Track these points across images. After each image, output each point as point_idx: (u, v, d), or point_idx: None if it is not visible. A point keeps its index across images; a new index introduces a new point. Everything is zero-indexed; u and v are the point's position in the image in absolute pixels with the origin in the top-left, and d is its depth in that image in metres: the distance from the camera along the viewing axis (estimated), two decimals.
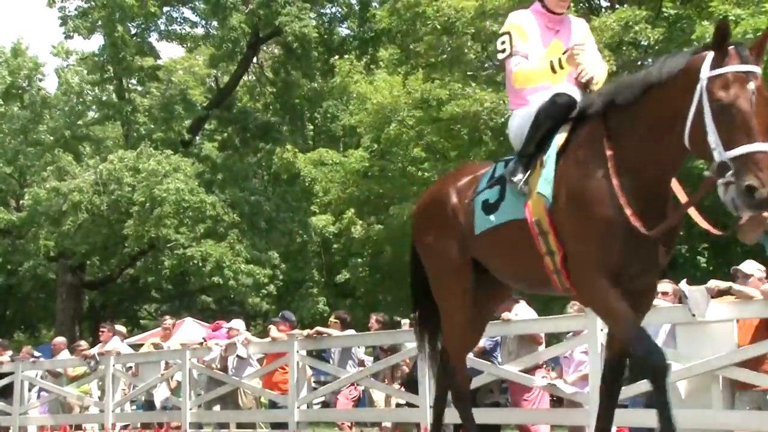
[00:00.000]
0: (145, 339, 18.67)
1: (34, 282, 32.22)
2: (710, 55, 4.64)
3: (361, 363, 11.97)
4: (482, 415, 9.47)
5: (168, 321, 15.43)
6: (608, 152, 5.05)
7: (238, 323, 12.90)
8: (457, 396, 6.69)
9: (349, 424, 11.81)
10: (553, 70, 5.76)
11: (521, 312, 9.47)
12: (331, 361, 11.83)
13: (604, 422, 5.87)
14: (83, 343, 16.00)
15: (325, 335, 11.51)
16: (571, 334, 9.40)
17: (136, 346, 17.93)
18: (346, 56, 26.28)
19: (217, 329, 13.54)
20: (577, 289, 5.38)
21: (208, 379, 12.86)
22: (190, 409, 12.52)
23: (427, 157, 22.86)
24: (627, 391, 8.83)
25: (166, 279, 32.23)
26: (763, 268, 7.77)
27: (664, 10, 19.06)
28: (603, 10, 20.58)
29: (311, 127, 33.62)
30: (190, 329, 21.60)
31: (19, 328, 40.99)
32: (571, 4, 19.01)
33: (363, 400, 12.04)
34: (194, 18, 32.26)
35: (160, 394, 13.31)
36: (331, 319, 12.34)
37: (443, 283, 6.23)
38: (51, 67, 34.00)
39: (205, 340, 13.12)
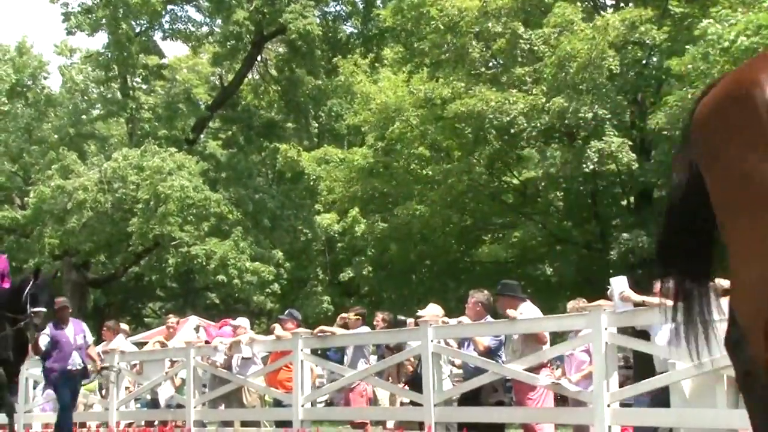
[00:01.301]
0: (150, 337, 18.67)
1: None
2: None
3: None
4: (487, 414, 9.50)
5: (171, 320, 15.46)
6: None
7: (243, 321, 12.90)
8: (747, 374, 4.31)
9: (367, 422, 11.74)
10: None
11: (526, 311, 9.45)
12: (346, 358, 11.80)
13: None
14: None
15: (329, 334, 11.52)
16: (572, 333, 9.39)
17: (140, 344, 17.97)
18: (350, 56, 26.27)
19: (223, 327, 13.54)
20: None
21: (212, 377, 12.87)
22: (195, 408, 12.53)
23: (432, 156, 22.86)
24: (631, 391, 8.85)
25: (171, 277, 32.26)
26: None
27: (670, 8, 19.04)
28: (608, 8, 20.55)
29: (315, 125, 33.65)
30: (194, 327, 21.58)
31: None
32: (576, 2, 19.00)
33: None
34: (198, 17, 32.36)
35: (165, 393, 13.33)
36: (351, 315, 12.22)
37: (752, 217, 4.20)
38: (56, 65, 34.04)
39: (208, 342, 13.11)
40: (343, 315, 12.87)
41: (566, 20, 18.46)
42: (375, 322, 12.11)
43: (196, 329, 16.26)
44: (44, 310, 11.06)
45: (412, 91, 20.56)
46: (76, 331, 11.98)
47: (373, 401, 11.81)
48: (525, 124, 18.34)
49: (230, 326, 13.13)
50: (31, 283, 11.12)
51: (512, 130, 18.78)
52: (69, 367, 11.73)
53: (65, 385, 11.79)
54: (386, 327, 11.76)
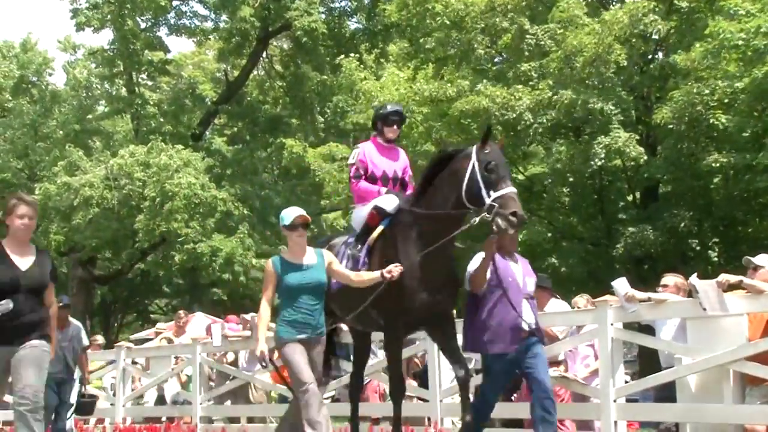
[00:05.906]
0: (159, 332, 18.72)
1: None
2: None
3: None
4: (496, 409, 9.50)
5: (182, 316, 15.50)
6: None
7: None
8: None
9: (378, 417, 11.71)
10: None
11: (553, 308, 9.38)
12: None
13: None
14: (98, 338, 16.10)
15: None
16: (574, 327, 9.35)
17: (147, 340, 17.98)
18: (352, 55, 26.17)
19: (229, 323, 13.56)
20: None
21: (218, 373, 12.90)
22: (201, 404, 12.55)
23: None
24: (637, 386, 8.86)
25: (177, 273, 32.28)
26: None
27: (676, 2, 18.97)
28: (613, 2, 20.49)
29: (321, 120, 33.65)
30: (201, 324, 21.63)
31: None
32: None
33: None
34: (204, 12, 32.36)
35: (170, 389, 13.34)
36: None
37: None
38: (60, 62, 34.08)
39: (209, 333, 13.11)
40: None
41: (571, 15, 18.40)
42: None
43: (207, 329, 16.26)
44: (513, 191, 6.51)
45: (416, 92, 20.44)
46: (524, 271, 7.27)
47: (384, 397, 11.81)
48: (531, 120, 18.27)
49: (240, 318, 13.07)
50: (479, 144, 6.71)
51: (519, 127, 18.70)
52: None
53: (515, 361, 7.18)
54: None
